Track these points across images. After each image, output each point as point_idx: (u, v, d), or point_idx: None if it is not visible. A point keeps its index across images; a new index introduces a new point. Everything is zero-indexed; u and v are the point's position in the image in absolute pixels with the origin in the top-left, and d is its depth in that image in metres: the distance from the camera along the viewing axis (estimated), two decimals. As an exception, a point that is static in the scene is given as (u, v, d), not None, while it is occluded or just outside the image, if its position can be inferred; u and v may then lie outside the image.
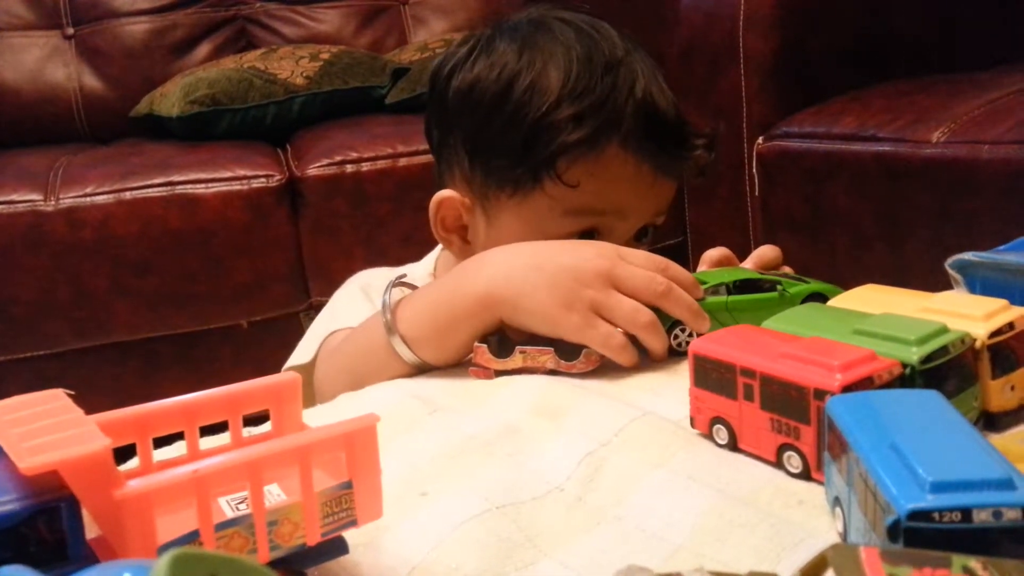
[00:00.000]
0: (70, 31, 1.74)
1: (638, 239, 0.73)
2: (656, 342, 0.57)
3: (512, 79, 0.69)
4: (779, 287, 0.59)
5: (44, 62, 1.71)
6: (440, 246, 0.82)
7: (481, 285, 0.58)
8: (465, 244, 0.75)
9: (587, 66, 0.68)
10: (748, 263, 0.67)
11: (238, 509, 0.34)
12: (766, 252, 0.67)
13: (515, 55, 0.70)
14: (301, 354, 0.74)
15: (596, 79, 0.67)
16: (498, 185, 0.70)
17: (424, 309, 0.60)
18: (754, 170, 1.24)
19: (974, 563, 0.25)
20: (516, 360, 0.57)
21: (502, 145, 0.70)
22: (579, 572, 0.38)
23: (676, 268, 0.59)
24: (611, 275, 0.57)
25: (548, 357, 0.57)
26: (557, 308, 0.56)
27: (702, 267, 0.69)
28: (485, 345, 0.58)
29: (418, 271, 0.82)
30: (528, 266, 0.58)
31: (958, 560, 0.25)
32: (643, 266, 0.58)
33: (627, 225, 0.71)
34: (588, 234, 0.70)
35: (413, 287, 0.68)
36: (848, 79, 1.22)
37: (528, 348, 0.57)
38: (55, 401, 0.34)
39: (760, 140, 1.22)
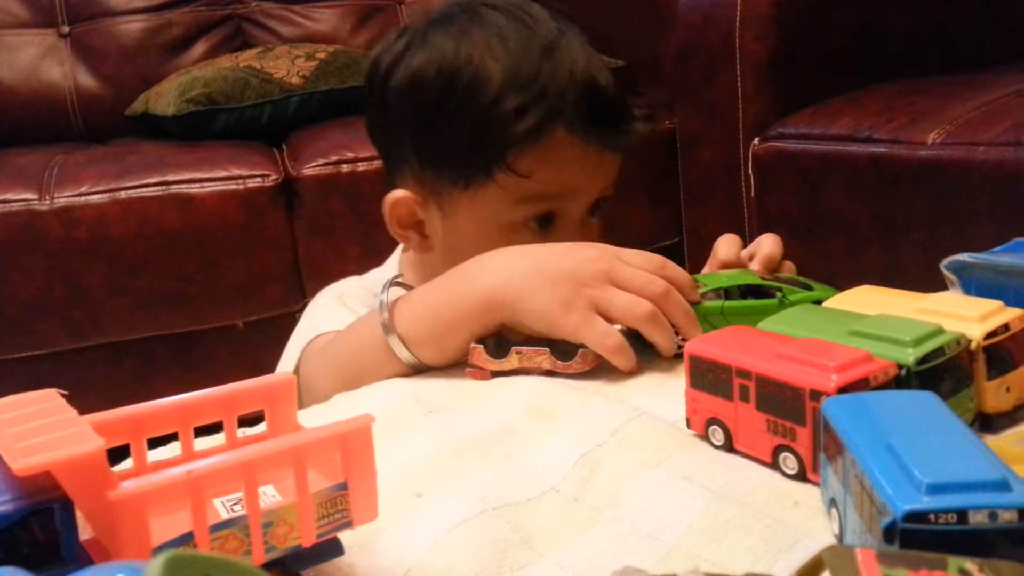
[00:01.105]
0: (65, 30, 1.73)
1: (591, 214, 0.75)
2: (658, 335, 0.56)
3: (452, 75, 0.69)
4: (779, 294, 0.59)
5: (39, 60, 1.70)
6: (401, 247, 0.83)
7: (482, 288, 0.59)
8: (424, 239, 0.76)
9: (525, 54, 0.69)
10: (755, 263, 0.67)
11: (233, 510, 0.34)
12: (768, 246, 0.67)
13: (452, 48, 0.70)
14: (285, 364, 0.74)
15: (536, 67, 0.68)
16: (451, 181, 0.71)
17: (424, 310, 0.60)
18: (750, 171, 1.24)
19: (970, 565, 0.25)
20: (512, 361, 0.57)
21: (450, 143, 0.70)
22: (575, 573, 0.38)
23: (674, 268, 0.59)
24: (610, 275, 0.57)
25: (544, 358, 0.57)
26: (557, 309, 0.56)
27: (714, 257, 0.68)
28: (481, 346, 0.58)
29: (385, 275, 0.82)
30: (528, 268, 0.58)
31: (954, 562, 0.25)
32: (640, 267, 0.58)
33: (579, 204, 0.73)
34: (545, 218, 0.71)
35: (409, 287, 0.68)
36: (844, 81, 1.22)
37: (524, 349, 0.57)
38: (49, 401, 0.33)
39: (756, 141, 1.22)
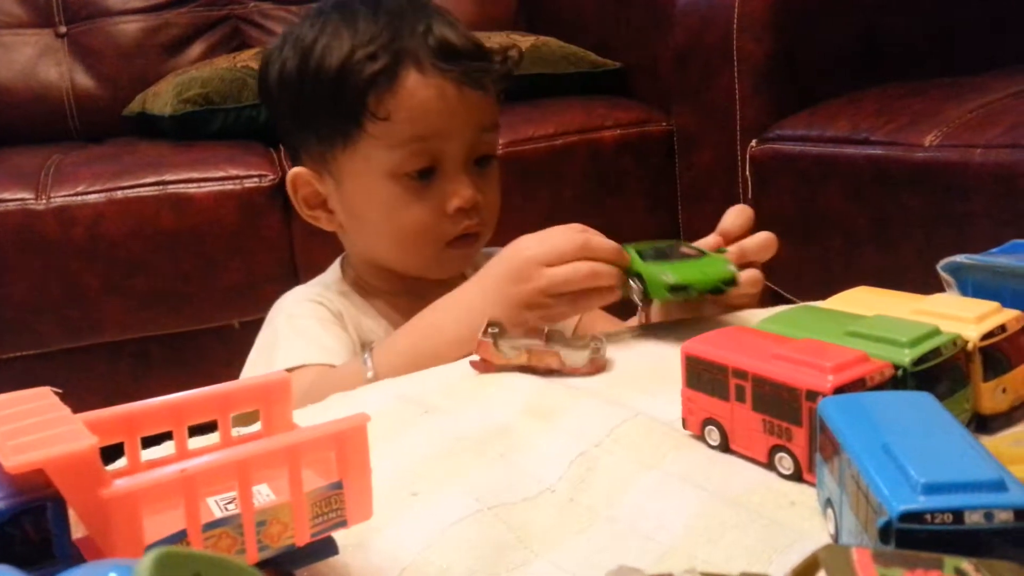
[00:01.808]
0: (63, 29, 1.73)
1: (480, 166, 0.79)
2: (602, 301, 0.62)
3: (309, 49, 0.76)
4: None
5: (36, 60, 1.70)
6: (339, 263, 0.87)
7: (452, 329, 0.65)
8: (330, 214, 0.82)
9: (374, 20, 0.76)
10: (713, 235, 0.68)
11: (227, 509, 0.34)
12: (732, 217, 0.68)
13: (312, 32, 0.77)
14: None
15: (382, 26, 0.75)
16: (330, 142, 0.77)
17: (404, 359, 0.65)
18: (747, 173, 1.24)
19: (966, 565, 0.25)
20: (521, 358, 0.57)
21: (317, 103, 0.77)
22: (571, 573, 0.37)
23: (596, 244, 0.63)
24: (545, 290, 0.62)
25: (553, 358, 0.57)
26: (511, 315, 0.61)
27: (721, 224, 0.68)
28: (490, 340, 0.57)
29: (328, 278, 0.86)
30: (477, 295, 0.65)
31: (950, 562, 0.25)
32: (564, 256, 0.62)
33: (454, 146, 0.76)
34: (427, 172, 0.76)
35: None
36: (841, 82, 1.22)
37: (535, 347, 0.57)
38: (42, 399, 0.33)
39: (753, 143, 1.22)
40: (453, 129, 0.76)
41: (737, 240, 0.66)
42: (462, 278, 0.78)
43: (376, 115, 0.74)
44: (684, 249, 0.64)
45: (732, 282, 0.60)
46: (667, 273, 0.59)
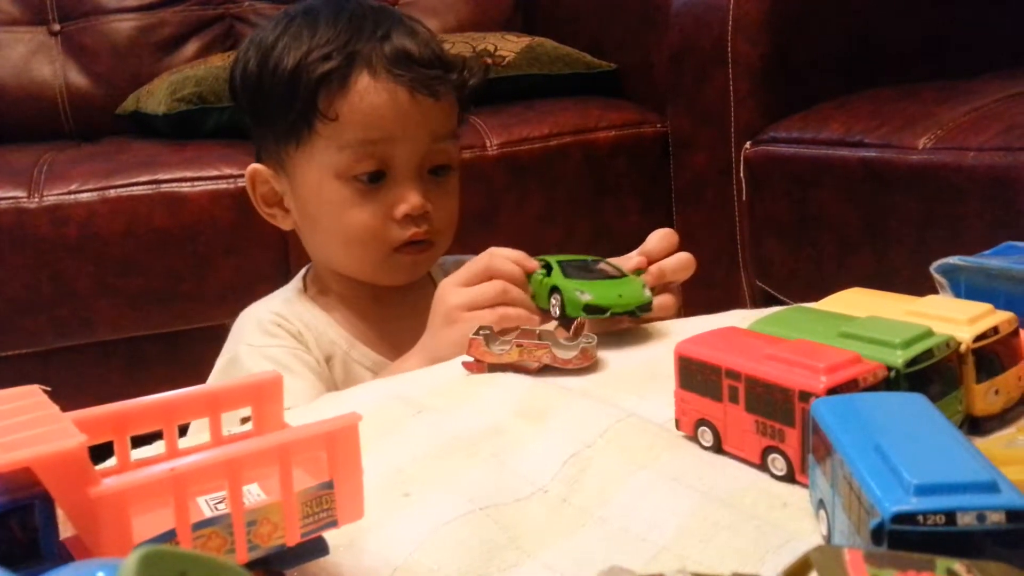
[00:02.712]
0: (56, 27, 1.72)
1: (436, 175, 0.80)
2: (518, 320, 0.64)
3: (270, 49, 0.78)
4: (543, 274, 0.64)
5: (29, 58, 1.69)
6: (307, 269, 0.89)
7: (421, 364, 0.67)
8: (287, 213, 0.83)
9: (333, 23, 0.78)
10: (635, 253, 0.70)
11: (217, 509, 0.33)
12: (656, 240, 0.70)
13: (275, 34, 0.79)
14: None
15: (340, 30, 0.77)
16: (284, 141, 0.79)
17: None
18: (741, 175, 1.24)
19: (958, 566, 0.25)
20: (512, 354, 0.57)
21: (272, 101, 0.78)
22: (562, 573, 0.37)
23: (499, 265, 0.67)
24: (462, 307, 0.66)
25: (544, 352, 0.57)
26: (457, 352, 0.62)
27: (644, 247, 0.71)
28: (481, 338, 0.57)
29: (289, 292, 0.87)
30: (429, 341, 0.69)
31: (942, 563, 0.25)
32: (471, 282, 0.67)
33: (404, 152, 0.77)
34: (377, 176, 0.77)
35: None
36: (836, 85, 1.22)
37: (525, 342, 0.57)
38: (30, 397, 0.33)
39: (748, 145, 1.22)
40: (404, 135, 0.76)
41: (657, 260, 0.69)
42: (431, 284, 0.79)
43: (326, 115, 0.75)
44: (605, 267, 0.66)
45: (647, 307, 0.63)
46: (585, 292, 0.61)
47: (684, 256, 0.69)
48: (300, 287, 0.87)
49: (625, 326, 0.65)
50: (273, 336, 0.81)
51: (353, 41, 0.76)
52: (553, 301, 0.63)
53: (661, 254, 0.69)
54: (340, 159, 0.76)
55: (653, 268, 0.68)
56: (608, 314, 0.61)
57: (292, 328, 0.81)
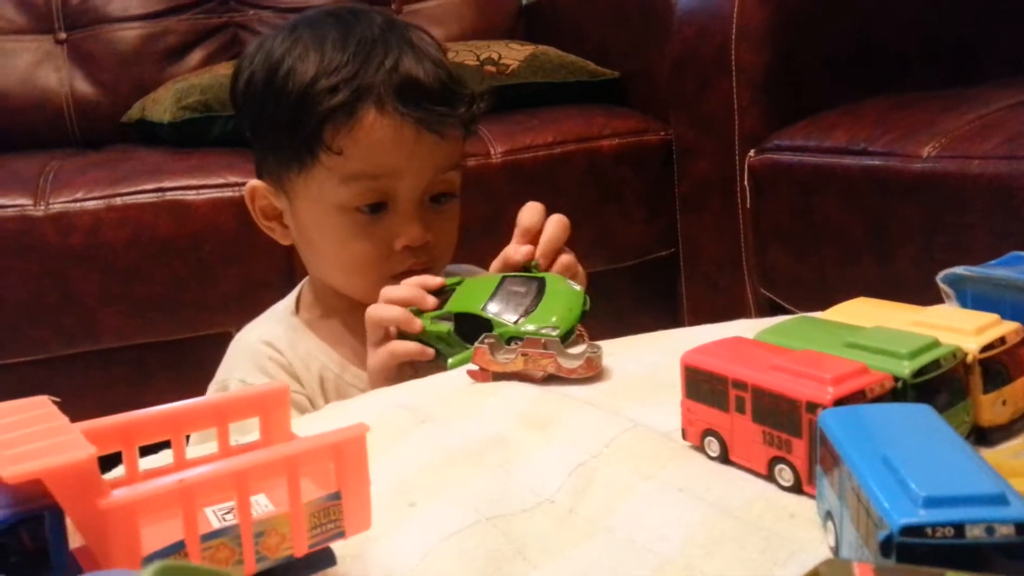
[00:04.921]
0: (62, 36, 1.73)
1: (437, 201, 0.80)
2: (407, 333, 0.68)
3: (276, 65, 0.77)
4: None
5: (35, 67, 1.70)
6: (306, 280, 0.89)
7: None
8: (286, 229, 0.84)
9: (341, 48, 0.76)
10: (538, 252, 0.72)
11: (224, 520, 0.34)
12: (550, 232, 0.72)
13: (280, 50, 0.78)
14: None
15: (348, 57, 0.75)
16: (286, 165, 0.78)
17: None
18: (745, 182, 1.24)
19: (967, 579, 0.25)
20: (518, 363, 0.57)
21: (276, 126, 0.78)
22: (569, 585, 0.37)
23: (389, 293, 0.70)
24: (370, 342, 0.71)
25: (549, 361, 0.57)
26: (389, 372, 0.68)
27: (519, 225, 0.73)
28: (486, 346, 0.57)
29: (281, 313, 0.87)
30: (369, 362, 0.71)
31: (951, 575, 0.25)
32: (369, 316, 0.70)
33: (407, 186, 0.77)
34: (376, 206, 0.77)
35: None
36: (839, 93, 1.23)
37: (530, 351, 0.57)
38: (40, 408, 0.33)
39: (751, 153, 1.23)
40: (408, 169, 0.76)
41: (538, 234, 0.72)
42: None
43: (331, 148, 0.75)
44: (517, 287, 0.66)
45: (587, 301, 0.63)
46: (544, 326, 0.61)
47: (557, 219, 0.72)
48: (292, 308, 0.86)
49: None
50: (265, 373, 0.80)
51: (361, 72, 0.75)
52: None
53: (538, 226, 0.72)
54: (342, 191, 0.76)
55: (542, 246, 0.70)
56: (575, 333, 0.61)
57: (283, 360, 0.81)
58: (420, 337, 0.68)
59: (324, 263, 0.82)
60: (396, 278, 0.77)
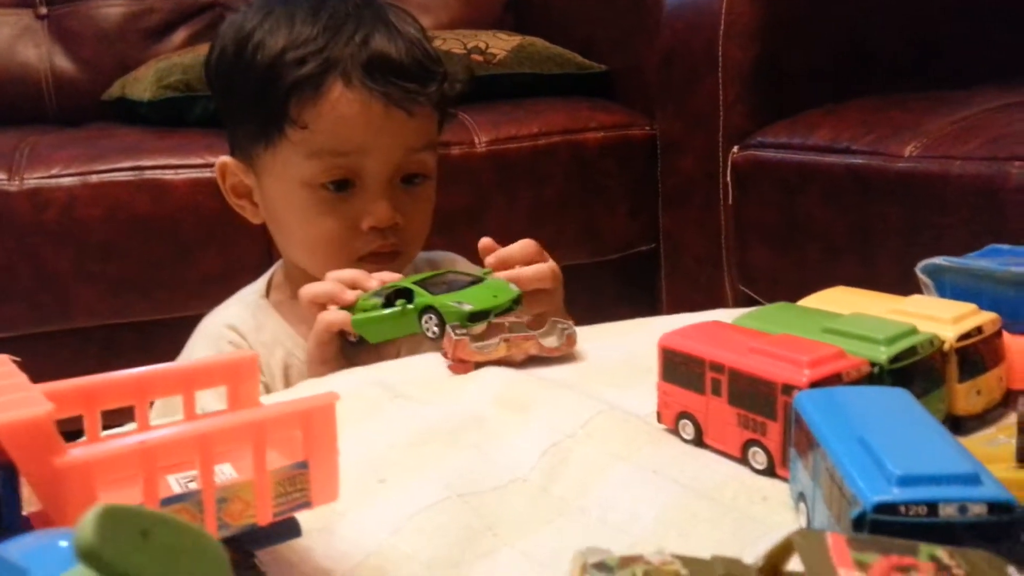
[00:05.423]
0: (43, 11, 1.70)
1: (409, 184, 0.78)
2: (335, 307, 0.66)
3: (246, 39, 0.76)
4: (404, 303, 0.62)
5: (15, 41, 1.67)
6: (280, 261, 0.87)
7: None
8: (255, 207, 0.82)
9: (312, 22, 0.75)
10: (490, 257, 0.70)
11: (187, 487, 0.33)
12: (512, 250, 0.70)
13: (253, 22, 0.77)
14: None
15: (318, 31, 0.74)
16: (254, 140, 0.77)
17: None
18: (728, 179, 1.24)
19: (940, 552, 0.25)
20: (500, 349, 0.56)
21: (243, 99, 0.77)
22: (539, 562, 0.37)
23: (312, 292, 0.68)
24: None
25: (531, 343, 0.57)
26: (324, 350, 0.66)
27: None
28: (466, 338, 0.56)
29: (250, 296, 0.85)
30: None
31: (925, 548, 0.25)
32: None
33: (375, 164, 0.75)
34: (343, 183, 0.75)
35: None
36: (824, 92, 1.23)
37: (511, 335, 0.57)
38: (-2, 366, 0.32)
39: (735, 149, 1.23)
40: (376, 146, 0.74)
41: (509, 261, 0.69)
42: None
43: (296, 122, 0.73)
44: (459, 277, 0.66)
45: (519, 300, 0.62)
46: (463, 302, 0.60)
47: (542, 267, 0.68)
48: (263, 290, 0.85)
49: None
50: None
51: (330, 45, 0.73)
52: (426, 321, 0.61)
53: (515, 261, 0.69)
54: (308, 167, 0.75)
55: (507, 272, 0.67)
56: (492, 317, 0.60)
57: (243, 344, 0.79)
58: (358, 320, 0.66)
59: (290, 242, 0.80)
60: (363, 259, 0.76)
